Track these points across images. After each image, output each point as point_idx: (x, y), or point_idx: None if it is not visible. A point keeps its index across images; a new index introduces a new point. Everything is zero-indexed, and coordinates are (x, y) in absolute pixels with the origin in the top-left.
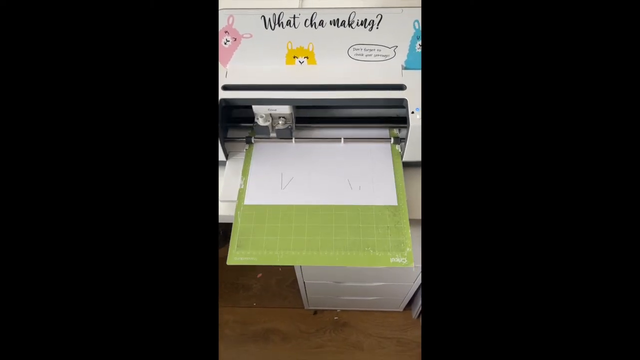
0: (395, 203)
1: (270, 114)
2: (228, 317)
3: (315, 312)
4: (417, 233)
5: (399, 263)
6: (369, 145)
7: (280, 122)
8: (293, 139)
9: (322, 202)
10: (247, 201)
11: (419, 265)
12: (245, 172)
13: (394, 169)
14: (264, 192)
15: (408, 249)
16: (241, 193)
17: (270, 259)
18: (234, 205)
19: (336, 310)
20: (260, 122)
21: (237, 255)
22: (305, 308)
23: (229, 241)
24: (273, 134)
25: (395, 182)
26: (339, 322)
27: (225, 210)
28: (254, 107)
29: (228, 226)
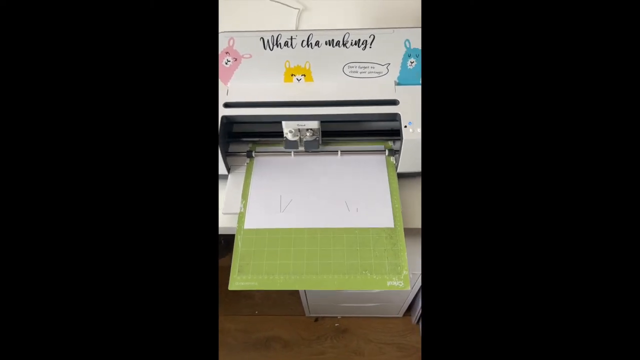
0: (392, 225)
1: (299, 129)
2: (230, 325)
3: (316, 319)
4: (412, 242)
5: (395, 286)
6: (365, 158)
7: (308, 134)
8: (292, 153)
9: (321, 225)
10: (247, 225)
11: (416, 272)
12: (244, 195)
13: (390, 189)
14: (264, 216)
15: (404, 272)
16: (241, 217)
17: (270, 283)
18: (236, 217)
19: (337, 317)
20: (290, 136)
21: (238, 280)
22: (306, 315)
23: (231, 251)
24: (301, 147)
25: (392, 203)
26: (339, 328)
27: (227, 222)
28: (283, 123)
29: (230, 237)
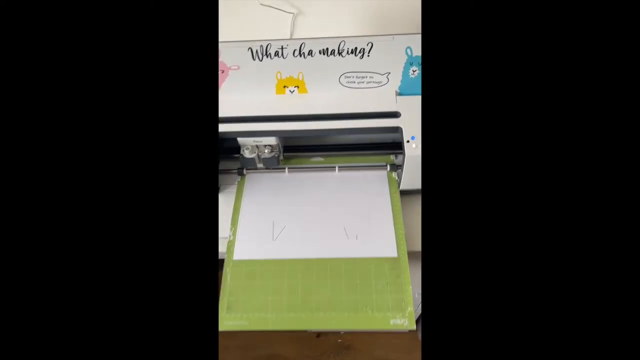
0: (394, 254)
1: (257, 145)
2: (229, 342)
3: (319, 334)
4: (417, 264)
5: (399, 325)
6: (365, 175)
7: (266, 151)
8: (286, 169)
9: (317, 255)
10: (237, 256)
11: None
12: (234, 221)
13: (393, 213)
14: (255, 245)
15: (409, 309)
16: (230, 246)
17: (262, 323)
18: (225, 241)
19: (340, 332)
20: (247, 154)
21: (227, 319)
22: (308, 331)
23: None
24: (260, 165)
25: (395, 229)
26: (342, 344)
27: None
28: (239, 139)
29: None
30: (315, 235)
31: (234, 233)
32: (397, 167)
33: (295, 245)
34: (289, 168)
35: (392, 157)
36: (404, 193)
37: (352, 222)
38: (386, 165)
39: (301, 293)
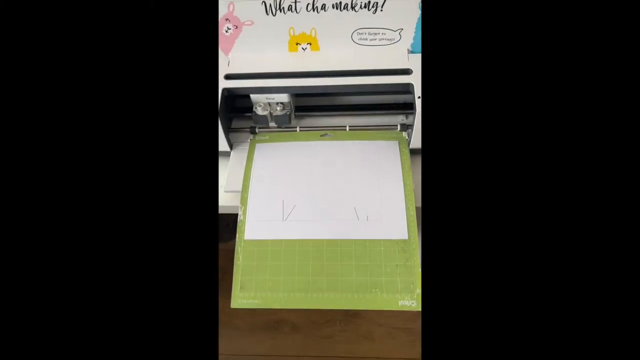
0: (405, 237)
1: (269, 103)
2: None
3: None
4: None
5: (407, 306)
6: (376, 147)
7: (278, 109)
8: (297, 128)
9: (327, 237)
10: (248, 236)
11: None
12: (243, 201)
13: (405, 193)
14: (265, 225)
15: (417, 291)
16: (241, 226)
17: (274, 301)
18: (239, 195)
19: None
20: (259, 111)
21: (240, 297)
22: None
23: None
24: (272, 123)
25: (406, 210)
26: (349, 312)
27: (229, 201)
28: (252, 96)
29: (233, 217)
30: (325, 215)
31: (244, 212)
32: (407, 127)
33: (306, 225)
34: (300, 127)
35: (403, 117)
36: (414, 152)
37: (362, 201)
38: (397, 126)
39: (312, 274)
